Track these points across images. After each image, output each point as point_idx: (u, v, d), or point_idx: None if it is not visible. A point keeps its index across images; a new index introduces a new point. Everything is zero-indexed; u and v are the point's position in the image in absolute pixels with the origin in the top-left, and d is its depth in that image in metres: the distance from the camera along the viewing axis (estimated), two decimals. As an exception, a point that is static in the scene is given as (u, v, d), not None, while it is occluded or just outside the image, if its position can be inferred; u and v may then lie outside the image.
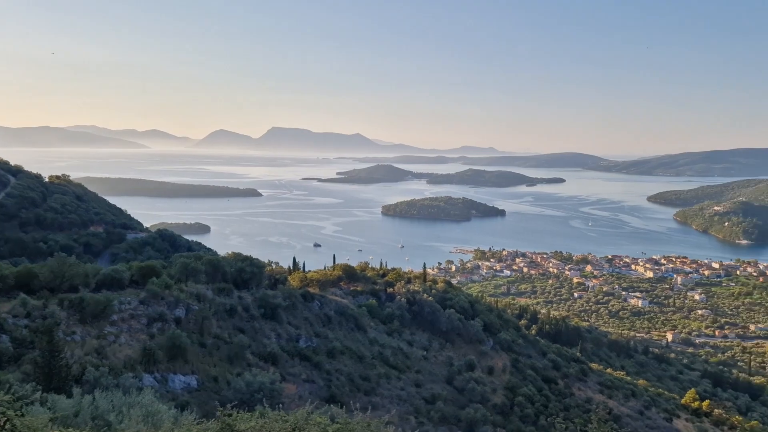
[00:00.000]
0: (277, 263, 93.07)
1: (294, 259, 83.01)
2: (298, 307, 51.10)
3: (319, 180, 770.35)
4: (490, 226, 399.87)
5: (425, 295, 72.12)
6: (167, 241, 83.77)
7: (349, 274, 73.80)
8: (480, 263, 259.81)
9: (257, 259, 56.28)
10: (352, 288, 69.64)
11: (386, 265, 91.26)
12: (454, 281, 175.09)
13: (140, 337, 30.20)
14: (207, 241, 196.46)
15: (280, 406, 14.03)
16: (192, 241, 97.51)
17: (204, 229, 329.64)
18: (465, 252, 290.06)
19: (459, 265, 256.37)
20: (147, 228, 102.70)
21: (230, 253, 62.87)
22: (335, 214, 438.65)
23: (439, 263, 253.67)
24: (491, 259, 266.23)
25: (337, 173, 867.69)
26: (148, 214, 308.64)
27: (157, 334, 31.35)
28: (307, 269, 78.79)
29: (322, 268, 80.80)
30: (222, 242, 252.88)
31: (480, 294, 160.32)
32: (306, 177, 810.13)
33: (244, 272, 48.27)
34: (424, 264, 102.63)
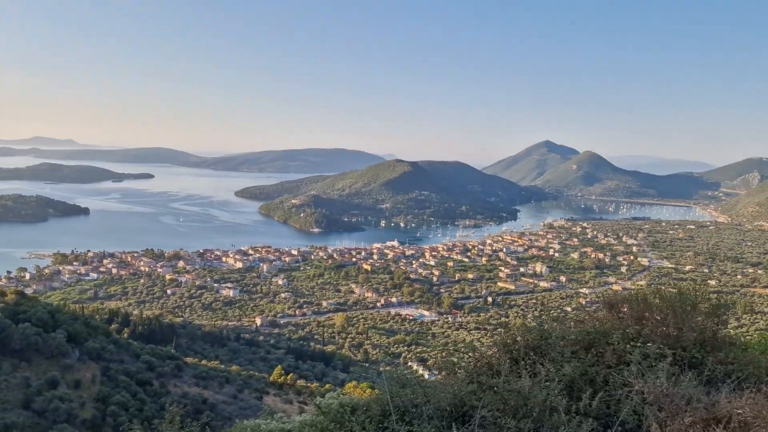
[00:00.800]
0: None
1: None
2: None
3: None
4: (72, 227, 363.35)
5: (-9, 310, 61.49)
6: None
7: None
8: (61, 268, 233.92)
9: None
10: None
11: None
12: (29, 291, 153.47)
13: None
14: None
15: None
16: None
17: None
18: (42, 257, 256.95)
19: (35, 272, 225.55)
20: None
21: None
22: None
23: (9, 272, 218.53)
24: (75, 263, 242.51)
25: None
26: None
27: None
28: None
29: None
30: None
31: (63, 302, 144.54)
32: None
33: None
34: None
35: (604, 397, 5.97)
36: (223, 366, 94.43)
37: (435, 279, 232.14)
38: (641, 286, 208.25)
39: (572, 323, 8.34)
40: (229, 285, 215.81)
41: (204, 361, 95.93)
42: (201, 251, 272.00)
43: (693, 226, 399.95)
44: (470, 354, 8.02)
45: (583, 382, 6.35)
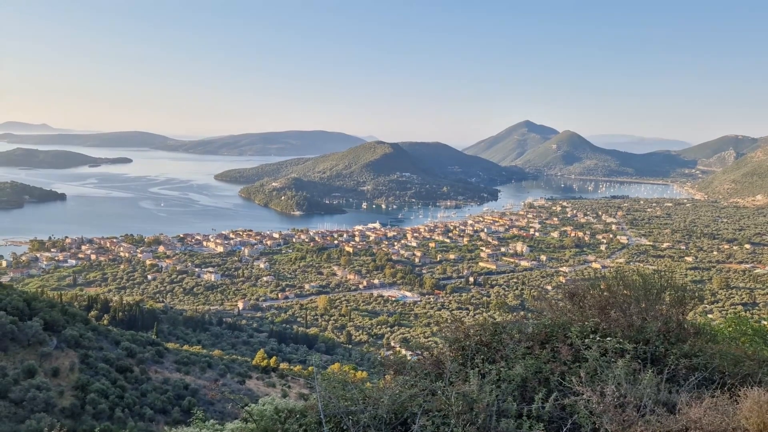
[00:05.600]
0: None
1: None
2: None
3: None
4: (49, 213, 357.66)
5: (-37, 300, 60.30)
6: None
7: None
8: (39, 255, 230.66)
9: None
10: None
11: None
12: (5, 279, 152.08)
13: None
14: None
15: None
16: None
17: None
18: (18, 244, 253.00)
19: (11, 259, 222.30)
20: None
21: None
22: None
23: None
24: (52, 249, 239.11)
25: None
26: None
27: None
28: None
29: None
30: None
31: (40, 289, 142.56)
32: None
33: None
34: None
35: (558, 398, 5.70)
36: (205, 351, 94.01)
37: (417, 260, 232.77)
38: (620, 264, 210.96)
39: (530, 315, 8.08)
40: (210, 269, 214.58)
41: (186, 346, 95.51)
42: (181, 236, 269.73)
43: (670, 204, 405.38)
44: (419, 352, 7.73)
45: (537, 381, 6.07)
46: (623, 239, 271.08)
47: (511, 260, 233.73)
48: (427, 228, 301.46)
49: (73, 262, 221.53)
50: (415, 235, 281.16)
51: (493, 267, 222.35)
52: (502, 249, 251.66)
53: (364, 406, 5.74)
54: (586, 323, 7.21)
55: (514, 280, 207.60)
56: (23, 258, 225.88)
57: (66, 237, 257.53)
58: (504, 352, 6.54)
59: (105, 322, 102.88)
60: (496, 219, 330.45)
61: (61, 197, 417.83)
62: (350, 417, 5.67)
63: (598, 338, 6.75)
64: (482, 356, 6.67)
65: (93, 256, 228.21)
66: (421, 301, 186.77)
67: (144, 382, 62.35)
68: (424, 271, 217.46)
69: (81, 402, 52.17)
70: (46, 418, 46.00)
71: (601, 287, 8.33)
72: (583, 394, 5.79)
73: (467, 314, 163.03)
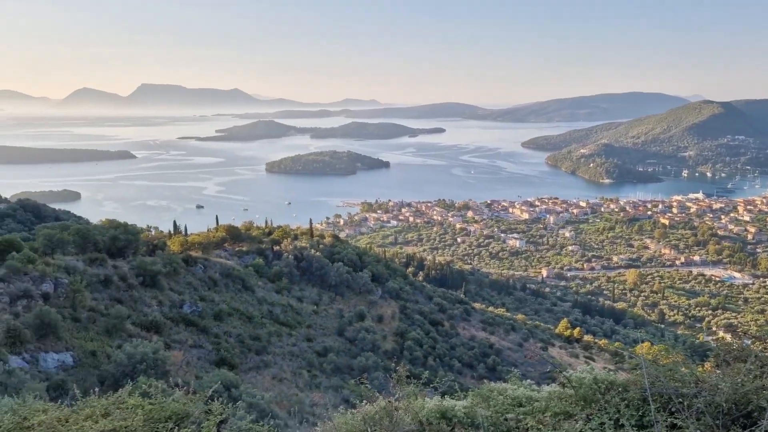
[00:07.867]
0: (156, 228, 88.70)
1: (174, 222, 79.80)
2: (180, 272, 49.45)
3: (198, 139, 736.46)
4: (376, 178, 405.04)
5: (313, 250, 72.24)
6: (30, 211, 76.83)
7: (234, 234, 72.20)
8: (367, 215, 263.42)
9: (133, 225, 53.42)
10: (237, 248, 68.31)
11: (272, 223, 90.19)
12: (342, 235, 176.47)
13: (2, 317, 27.95)
14: (77, 208, 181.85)
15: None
16: (60, 210, 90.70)
17: (73, 196, 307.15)
18: (352, 205, 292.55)
19: (347, 218, 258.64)
20: (6, 198, 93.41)
21: (104, 220, 59.31)
22: (217, 174, 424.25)
23: (327, 218, 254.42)
24: (378, 211, 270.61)
25: (216, 131, 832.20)
26: (7, 183, 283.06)
27: (23, 313, 29.17)
28: (189, 232, 76.11)
29: (206, 230, 78.35)
30: (95, 209, 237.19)
31: (368, 245, 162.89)
32: (183, 136, 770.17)
33: (117, 240, 45.59)
34: (311, 220, 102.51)
35: None
36: (509, 314, 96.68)
37: (750, 237, 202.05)
38: None
39: None
40: (515, 236, 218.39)
41: (491, 308, 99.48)
42: (488, 202, 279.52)
43: None
44: (761, 342, 6.60)
45: None
46: None
47: None
48: (765, 200, 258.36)
49: (394, 223, 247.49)
50: (748, 207, 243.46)
51: None
52: None
53: (697, 390, 5.19)
54: None
55: None
56: (356, 218, 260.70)
57: (389, 200, 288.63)
58: None
59: (420, 278, 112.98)
60: None
61: (386, 164, 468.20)
62: (681, 399, 5.19)
63: None
64: None
65: (411, 218, 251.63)
66: (753, 284, 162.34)
67: (453, 337, 66.94)
68: (758, 250, 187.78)
69: (400, 347, 58.53)
70: (372, 357, 52.82)
71: None
72: None
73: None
